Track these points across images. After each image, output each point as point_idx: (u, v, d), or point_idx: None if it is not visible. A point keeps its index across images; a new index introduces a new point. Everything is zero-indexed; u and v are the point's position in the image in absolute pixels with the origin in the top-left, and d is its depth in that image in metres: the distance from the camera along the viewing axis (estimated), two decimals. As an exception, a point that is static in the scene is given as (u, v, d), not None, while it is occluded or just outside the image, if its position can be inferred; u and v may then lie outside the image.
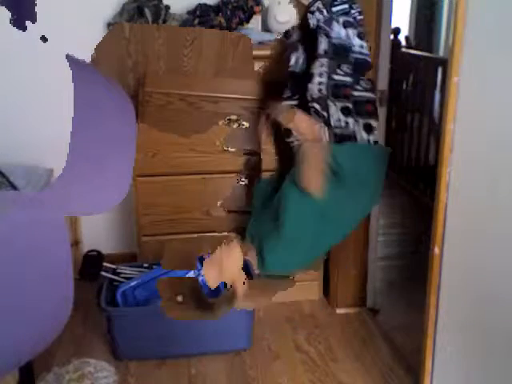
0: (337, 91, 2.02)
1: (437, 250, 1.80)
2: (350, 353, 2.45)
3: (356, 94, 2.04)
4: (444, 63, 3.82)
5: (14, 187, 2.06)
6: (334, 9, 2.07)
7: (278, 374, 2.32)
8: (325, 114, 2.00)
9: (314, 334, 2.59)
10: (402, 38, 5.59)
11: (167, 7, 2.66)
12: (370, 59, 2.08)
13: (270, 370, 2.34)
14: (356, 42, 2.04)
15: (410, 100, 4.49)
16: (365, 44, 2.06)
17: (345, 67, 2.02)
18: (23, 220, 0.87)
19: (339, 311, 2.77)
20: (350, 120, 2.00)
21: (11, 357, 0.94)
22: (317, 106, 2.02)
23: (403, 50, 5.25)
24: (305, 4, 2.16)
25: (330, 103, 2.00)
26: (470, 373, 1.73)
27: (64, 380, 2.12)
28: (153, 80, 2.46)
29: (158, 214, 2.61)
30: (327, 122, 2.00)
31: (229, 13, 2.62)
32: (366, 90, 2.04)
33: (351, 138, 1.99)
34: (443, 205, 1.75)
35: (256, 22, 2.71)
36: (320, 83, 2.03)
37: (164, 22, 2.62)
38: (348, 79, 2.03)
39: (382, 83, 2.49)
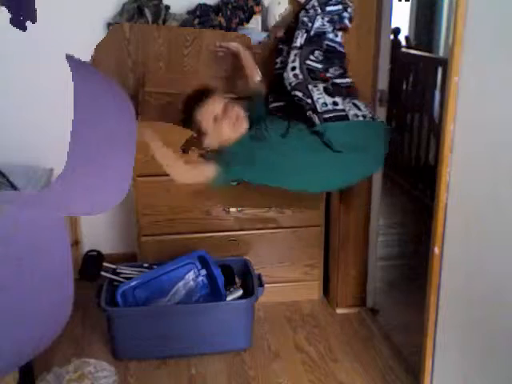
0: (313, 75, 2.01)
1: (437, 250, 1.80)
2: (349, 353, 2.45)
3: (332, 80, 2.04)
4: (444, 63, 3.82)
5: (14, 187, 2.06)
6: (328, 8, 2.06)
7: (278, 373, 2.32)
8: (309, 100, 1.98)
9: (313, 334, 2.59)
10: (401, 38, 5.59)
11: (167, 7, 2.66)
12: (342, 48, 2.08)
13: (270, 370, 2.34)
14: (329, 30, 2.04)
15: (409, 100, 4.49)
16: (339, 34, 2.05)
17: (317, 53, 2.02)
18: (23, 220, 0.87)
19: (339, 311, 2.77)
20: (338, 99, 1.99)
21: (12, 357, 0.94)
22: (299, 94, 2.01)
23: (403, 49, 5.25)
24: (301, 2, 2.16)
25: (312, 87, 1.98)
26: (470, 373, 1.73)
27: (64, 380, 2.12)
28: (153, 80, 2.46)
29: (158, 213, 2.62)
30: (314, 109, 1.98)
31: (229, 13, 2.62)
32: (335, 77, 2.03)
33: (343, 118, 1.98)
34: (443, 205, 1.75)
35: (256, 22, 2.71)
36: (293, 68, 2.02)
37: (164, 22, 2.61)
38: (319, 66, 2.01)
39: (382, 83, 2.49)
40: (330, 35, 2.05)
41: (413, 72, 4.48)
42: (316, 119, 1.97)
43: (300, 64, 2.00)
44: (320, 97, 1.96)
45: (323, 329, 2.64)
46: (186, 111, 2.14)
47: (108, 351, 2.42)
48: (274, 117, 2.16)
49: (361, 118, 1.99)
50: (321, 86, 1.99)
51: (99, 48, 2.35)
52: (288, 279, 2.84)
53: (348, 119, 1.96)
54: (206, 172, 2.01)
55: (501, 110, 1.49)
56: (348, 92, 2.05)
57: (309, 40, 2.05)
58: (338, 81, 2.04)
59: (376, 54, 2.43)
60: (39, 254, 0.92)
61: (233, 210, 2.68)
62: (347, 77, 2.09)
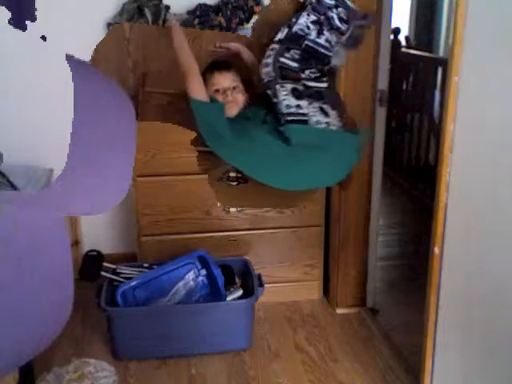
0: (285, 73, 1.99)
1: (437, 250, 1.80)
2: (349, 353, 2.45)
3: (304, 80, 2.01)
4: (444, 63, 3.82)
5: (14, 187, 2.06)
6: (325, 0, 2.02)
7: (278, 373, 2.32)
8: (275, 100, 1.99)
9: (313, 334, 2.59)
10: (401, 38, 5.59)
11: (167, 7, 2.66)
12: (324, 50, 1.99)
13: (270, 370, 2.34)
14: (313, 33, 2.00)
15: (409, 100, 4.49)
16: (327, 36, 2.00)
17: (292, 52, 1.99)
18: (23, 220, 0.87)
19: (339, 311, 2.77)
20: (303, 103, 1.97)
21: (12, 357, 0.94)
22: (269, 92, 2.01)
23: (403, 49, 5.25)
24: (300, 1, 2.14)
25: (278, 87, 1.97)
26: (470, 373, 1.73)
27: (64, 380, 2.12)
28: (153, 80, 2.46)
29: (158, 214, 2.62)
30: (279, 109, 2.00)
31: (229, 13, 2.62)
32: (310, 79, 2.00)
33: (304, 122, 1.98)
34: (443, 205, 1.75)
35: (256, 21, 2.71)
36: (267, 64, 2.01)
37: (164, 22, 2.61)
38: (294, 64, 1.99)
39: (382, 83, 2.49)
40: (312, 36, 2.00)
41: (413, 72, 4.48)
42: (282, 119, 1.99)
43: (273, 61, 1.99)
44: (285, 98, 1.96)
45: (323, 329, 2.64)
46: (204, 71, 2.19)
47: (108, 351, 2.42)
48: (254, 104, 2.19)
49: (323, 126, 1.97)
50: (289, 86, 1.97)
51: (99, 48, 2.34)
52: (288, 279, 2.84)
53: (307, 124, 1.96)
54: (201, 93, 2.06)
55: (501, 109, 1.49)
56: (318, 96, 2.01)
57: (289, 37, 2.03)
58: (312, 84, 2.01)
59: (376, 54, 2.43)
60: (39, 254, 0.92)
61: (233, 209, 2.68)
62: (324, 81, 2.03)
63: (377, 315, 2.75)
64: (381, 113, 2.54)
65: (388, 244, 3.48)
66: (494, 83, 1.51)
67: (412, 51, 5.14)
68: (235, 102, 2.16)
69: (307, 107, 1.96)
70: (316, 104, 1.97)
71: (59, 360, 2.29)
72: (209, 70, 2.23)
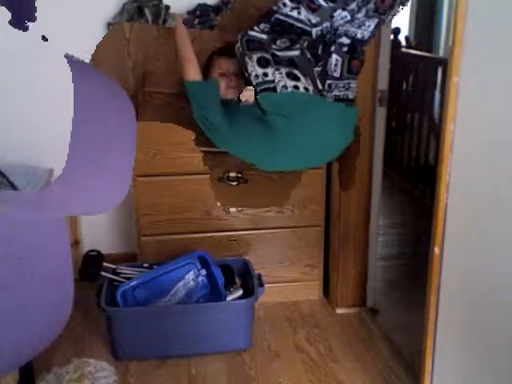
0: (252, 45, 2.00)
1: (437, 250, 1.80)
2: (349, 353, 2.45)
3: (273, 50, 2.00)
4: (444, 63, 3.82)
5: (14, 187, 2.06)
6: None
7: (278, 373, 2.32)
8: (246, 73, 2.00)
9: (314, 334, 2.59)
10: (402, 38, 5.59)
11: (167, 7, 2.66)
12: (302, 25, 1.96)
13: (270, 370, 2.34)
14: (287, 9, 1.97)
15: (410, 100, 4.49)
16: (305, 12, 1.95)
17: (262, 25, 2.00)
18: (23, 220, 0.87)
19: (339, 311, 2.77)
20: (269, 70, 1.96)
21: (12, 356, 0.94)
22: (242, 67, 2.04)
23: (403, 49, 5.25)
24: None
25: (247, 59, 1.98)
26: (470, 373, 1.73)
27: (64, 380, 2.12)
28: (153, 80, 2.46)
29: (158, 213, 2.62)
30: (250, 82, 2.01)
31: (229, 13, 2.62)
32: (280, 49, 1.98)
33: (272, 89, 1.97)
34: (443, 205, 1.75)
35: (256, 21, 2.70)
36: (236, 41, 2.03)
37: (164, 22, 2.61)
38: (263, 36, 1.98)
39: (382, 83, 2.49)
40: (285, 10, 1.98)
41: (413, 72, 4.48)
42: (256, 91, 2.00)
43: (241, 36, 2.00)
44: (252, 69, 1.96)
45: (323, 329, 2.64)
46: (212, 54, 2.24)
47: (108, 351, 2.42)
48: None
49: (290, 89, 1.95)
50: (255, 56, 1.96)
51: (99, 48, 2.35)
52: (288, 279, 2.84)
53: (276, 91, 1.95)
54: (195, 75, 2.08)
55: (501, 109, 1.49)
56: (293, 63, 1.98)
57: (264, 12, 2.03)
58: (282, 53, 1.99)
59: (376, 54, 2.43)
60: (39, 254, 0.92)
61: (233, 209, 2.68)
62: (296, 49, 1.97)
63: (377, 315, 2.75)
64: (381, 113, 2.54)
65: (388, 244, 3.48)
66: (494, 83, 1.51)
67: (412, 51, 5.14)
68: (236, 88, 2.18)
69: (273, 74, 1.95)
70: (283, 69, 1.96)
71: (59, 360, 2.29)
72: (216, 54, 2.24)
